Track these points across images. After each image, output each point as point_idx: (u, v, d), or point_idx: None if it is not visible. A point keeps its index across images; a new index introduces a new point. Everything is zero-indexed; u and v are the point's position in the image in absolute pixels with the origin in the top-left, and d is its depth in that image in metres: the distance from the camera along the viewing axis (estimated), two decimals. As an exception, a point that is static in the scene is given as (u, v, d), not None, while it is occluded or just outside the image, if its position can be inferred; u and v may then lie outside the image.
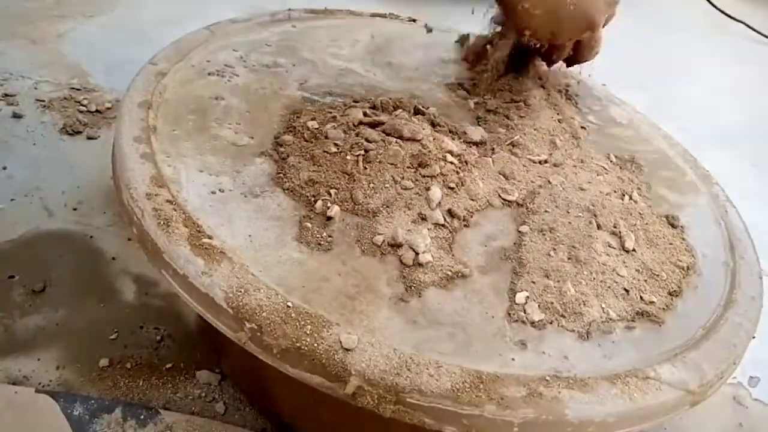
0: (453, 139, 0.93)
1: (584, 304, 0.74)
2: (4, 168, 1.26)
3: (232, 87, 0.97)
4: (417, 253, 0.74)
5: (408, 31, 1.30)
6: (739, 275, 0.86)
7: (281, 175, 0.81)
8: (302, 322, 0.63)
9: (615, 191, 0.93)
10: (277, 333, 0.62)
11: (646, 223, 0.89)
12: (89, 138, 1.39)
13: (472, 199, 0.84)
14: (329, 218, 0.76)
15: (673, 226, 0.92)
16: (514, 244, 0.80)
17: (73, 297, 1.05)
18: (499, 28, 1.13)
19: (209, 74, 0.98)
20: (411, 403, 0.61)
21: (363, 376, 0.61)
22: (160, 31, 1.57)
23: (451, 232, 0.79)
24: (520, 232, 0.82)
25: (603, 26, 1.04)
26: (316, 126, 0.89)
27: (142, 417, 0.87)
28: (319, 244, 0.73)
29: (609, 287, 0.77)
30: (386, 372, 0.61)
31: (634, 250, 0.83)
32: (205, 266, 0.66)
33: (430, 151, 0.85)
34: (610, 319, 0.74)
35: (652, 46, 2.58)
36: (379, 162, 0.82)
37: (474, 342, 0.67)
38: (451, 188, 0.83)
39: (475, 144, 0.95)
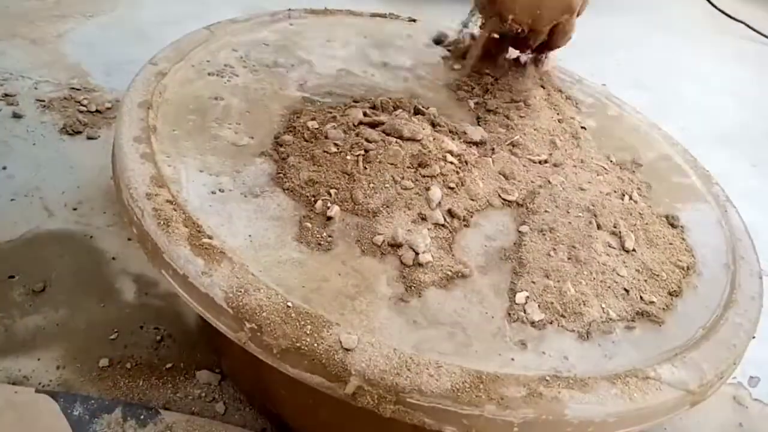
0: (453, 139, 0.93)
1: (584, 304, 0.74)
2: (4, 168, 1.26)
3: (232, 87, 0.97)
4: (417, 253, 0.74)
5: (407, 31, 1.30)
6: (739, 275, 0.86)
7: (281, 175, 0.81)
8: (302, 322, 0.63)
9: (615, 191, 0.93)
10: (277, 333, 0.62)
11: (646, 223, 0.89)
12: (89, 138, 1.39)
13: (472, 199, 0.84)
14: (329, 218, 0.76)
15: (673, 226, 0.92)
16: (514, 244, 0.80)
17: (73, 297, 1.05)
18: (477, 22, 1.16)
19: (209, 74, 0.98)
20: (411, 403, 0.61)
21: (363, 376, 0.60)
22: (160, 31, 1.57)
23: (451, 232, 0.79)
24: (520, 232, 0.82)
25: (578, 15, 1.09)
26: (316, 126, 0.89)
27: (142, 417, 0.87)
28: (319, 244, 0.73)
29: (609, 287, 0.77)
30: (386, 372, 0.61)
31: (634, 250, 0.83)
32: (205, 266, 0.66)
33: (430, 151, 0.85)
34: (610, 319, 0.74)
35: (652, 46, 2.58)
36: (379, 162, 0.82)
37: (474, 342, 0.67)
38: (451, 188, 0.83)
39: (475, 144, 0.95)
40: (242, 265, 0.67)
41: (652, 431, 0.94)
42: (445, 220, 0.79)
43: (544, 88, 1.14)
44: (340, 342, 0.62)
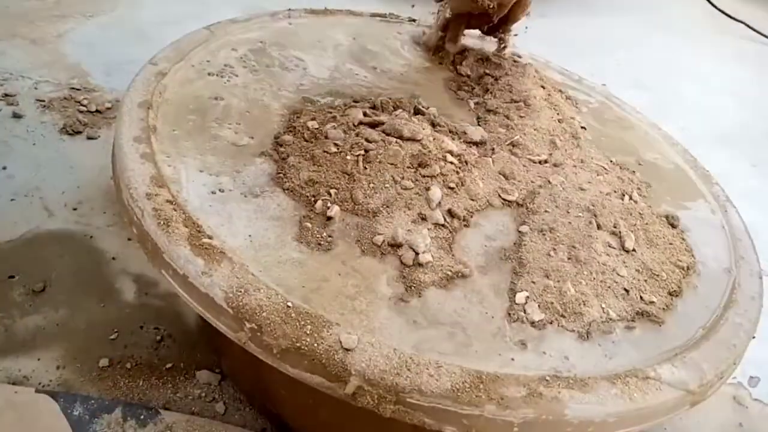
0: (453, 139, 0.93)
1: (584, 304, 0.74)
2: (4, 168, 1.26)
3: (232, 87, 0.97)
4: (417, 253, 0.74)
5: (407, 31, 1.30)
6: (739, 275, 0.86)
7: (281, 175, 0.81)
8: (302, 322, 0.63)
9: (615, 191, 0.93)
10: (277, 333, 0.62)
11: (646, 223, 0.89)
12: (89, 138, 1.39)
13: (472, 199, 0.84)
14: (329, 218, 0.76)
15: (673, 226, 0.92)
16: (514, 244, 0.80)
17: (73, 297, 1.05)
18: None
19: (209, 74, 0.98)
20: (411, 403, 0.61)
21: (363, 376, 0.61)
22: (160, 31, 1.57)
23: (451, 232, 0.79)
24: (520, 232, 0.82)
25: None
26: (316, 126, 0.89)
27: (142, 417, 0.87)
28: (319, 244, 0.73)
29: (609, 287, 0.77)
30: (386, 372, 0.61)
31: (634, 250, 0.83)
32: (205, 266, 0.66)
33: (430, 151, 0.85)
34: (610, 319, 0.74)
35: (652, 46, 2.58)
36: (379, 162, 0.82)
37: (474, 342, 0.67)
38: (451, 188, 0.83)
39: (475, 144, 0.95)
40: (242, 265, 0.67)
41: (652, 431, 0.94)
42: (445, 220, 0.79)
43: (544, 88, 1.14)
44: (340, 342, 0.62)
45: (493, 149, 0.95)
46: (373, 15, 1.34)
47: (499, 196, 0.87)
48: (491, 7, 1.08)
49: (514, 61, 1.21)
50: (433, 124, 0.94)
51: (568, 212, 0.86)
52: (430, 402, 0.60)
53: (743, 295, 0.83)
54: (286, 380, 0.64)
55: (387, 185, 0.80)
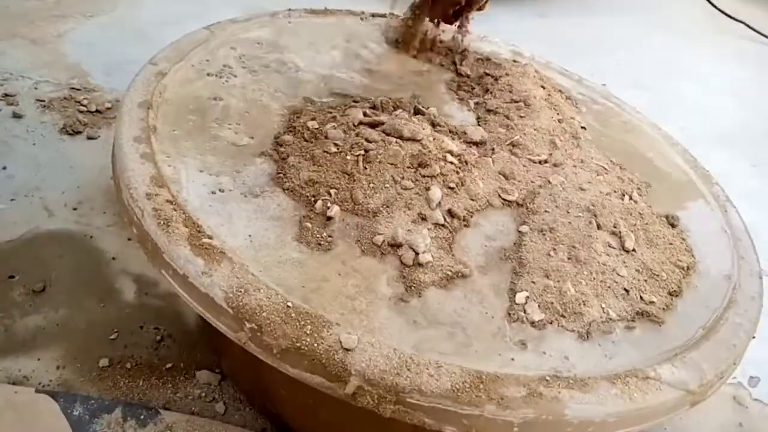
0: (453, 139, 0.93)
1: (584, 304, 0.74)
2: (4, 168, 1.26)
3: (232, 87, 0.97)
4: (417, 253, 0.74)
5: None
6: (739, 275, 0.86)
7: (281, 175, 0.81)
8: (302, 322, 0.63)
9: (615, 191, 0.93)
10: (277, 333, 0.62)
11: (646, 223, 0.89)
12: (89, 138, 1.39)
13: (472, 199, 0.84)
14: (329, 218, 0.76)
15: (673, 226, 0.92)
16: (514, 244, 0.80)
17: (73, 297, 1.05)
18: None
19: (209, 74, 0.98)
20: (411, 403, 0.61)
21: (363, 376, 0.61)
22: (160, 31, 1.57)
23: (451, 232, 0.79)
24: (520, 232, 0.82)
25: None
26: (316, 126, 0.89)
27: (142, 417, 0.87)
28: (319, 244, 0.73)
29: (609, 287, 0.77)
30: (386, 372, 0.61)
31: (634, 250, 0.83)
32: (205, 266, 0.66)
33: (430, 151, 0.85)
34: (610, 319, 0.74)
35: (652, 46, 2.58)
36: (379, 162, 0.82)
37: (474, 342, 0.67)
38: (451, 188, 0.83)
39: (475, 144, 0.95)
40: (242, 265, 0.67)
41: (652, 431, 0.94)
42: (445, 220, 0.79)
43: (544, 88, 1.14)
44: (340, 342, 0.62)
45: (493, 149, 0.95)
46: (374, 15, 1.34)
47: (499, 196, 0.87)
48: None
49: (514, 61, 1.21)
50: (433, 124, 0.94)
51: (568, 212, 0.86)
52: (430, 402, 0.60)
53: (743, 295, 0.83)
54: (286, 380, 0.64)
55: (387, 185, 0.80)
